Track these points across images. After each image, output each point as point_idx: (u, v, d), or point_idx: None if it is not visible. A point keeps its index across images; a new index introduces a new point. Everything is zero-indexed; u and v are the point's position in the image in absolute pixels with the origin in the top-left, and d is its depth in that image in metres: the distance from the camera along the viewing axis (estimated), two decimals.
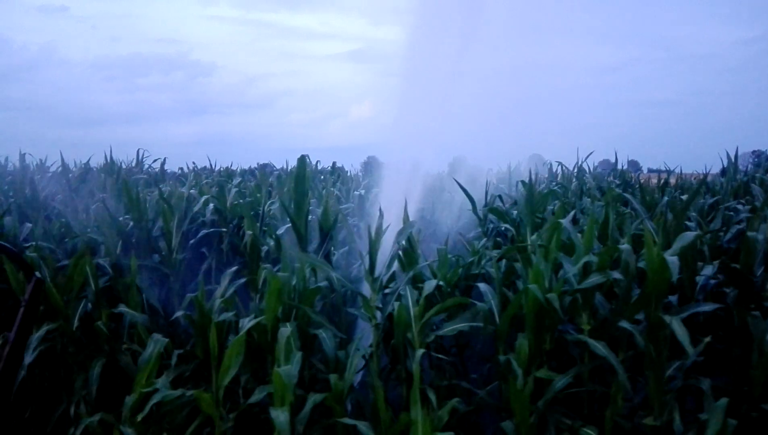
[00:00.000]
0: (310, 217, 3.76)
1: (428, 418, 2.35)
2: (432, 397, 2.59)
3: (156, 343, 2.86)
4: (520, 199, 4.86)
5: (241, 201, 5.40)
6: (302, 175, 3.71)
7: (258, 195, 4.74)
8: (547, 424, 2.52)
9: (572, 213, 3.51)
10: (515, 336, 2.79)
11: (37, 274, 2.50)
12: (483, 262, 3.51)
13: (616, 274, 2.56)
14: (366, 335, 3.14)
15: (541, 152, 8.56)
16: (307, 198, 3.75)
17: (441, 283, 3.01)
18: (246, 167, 11.20)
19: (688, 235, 2.67)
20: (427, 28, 4.52)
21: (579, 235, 2.90)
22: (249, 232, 3.75)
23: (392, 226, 3.18)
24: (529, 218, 3.43)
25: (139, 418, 2.61)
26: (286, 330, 2.69)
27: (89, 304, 3.47)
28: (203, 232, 4.39)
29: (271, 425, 2.80)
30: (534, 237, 3.06)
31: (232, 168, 10.37)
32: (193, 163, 10.34)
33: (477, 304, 2.88)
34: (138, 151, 8.91)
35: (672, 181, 7.42)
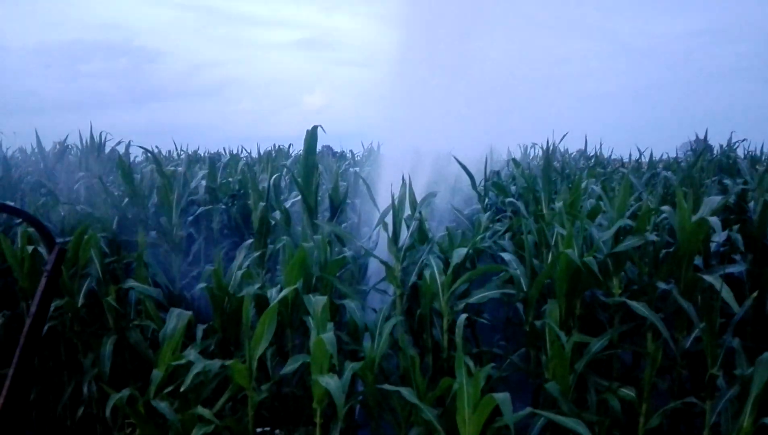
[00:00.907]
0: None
1: (472, 381, 2.32)
2: (470, 362, 2.57)
3: (179, 317, 2.75)
4: (518, 177, 4.92)
5: (230, 179, 5.29)
6: (312, 148, 3.64)
7: (249, 174, 4.62)
8: (586, 385, 2.53)
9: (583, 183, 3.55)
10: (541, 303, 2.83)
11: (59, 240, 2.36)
12: (488, 234, 3.52)
13: (652, 237, 2.59)
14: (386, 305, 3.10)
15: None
16: (317, 171, 3.67)
17: (470, 250, 2.99)
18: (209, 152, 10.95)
19: (714, 200, 2.72)
20: (415, 25, 4.57)
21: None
22: (262, 204, 3.64)
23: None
24: (547, 187, 3.44)
25: (171, 389, 2.50)
26: (321, 299, 2.62)
27: (93, 282, 3.32)
28: (202, 208, 4.26)
29: (305, 395, 2.77)
30: (560, 204, 3.06)
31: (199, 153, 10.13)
32: (156, 147, 10.03)
33: (509, 270, 2.87)
34: (100, 134, 8.61)
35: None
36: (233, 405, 2.80)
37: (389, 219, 3.13)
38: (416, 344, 3.06)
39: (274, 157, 6.41)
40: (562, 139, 8.39)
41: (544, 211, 3.36)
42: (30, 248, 3.20)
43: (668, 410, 2.54)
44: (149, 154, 4.96)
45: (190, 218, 4.18)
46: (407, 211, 3.15)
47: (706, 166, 5.56)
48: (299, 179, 3.60)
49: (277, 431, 2.85)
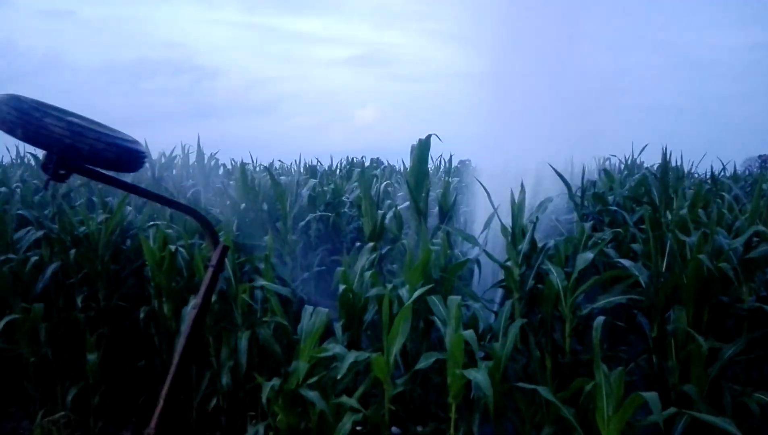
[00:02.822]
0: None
1: (615, 381, 2.39)
2: (604, 366, 2.63)
3: (317, 313, 2.92)
4: (616, 186, 4.95)
5: (324, 188, 5.51)
6: (424, 156, 3.80)
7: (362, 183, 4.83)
8: (722, 390, 2.56)
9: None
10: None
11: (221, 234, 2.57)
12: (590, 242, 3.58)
13: None
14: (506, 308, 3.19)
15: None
16: (427, 178, 3.83)
17: (593, 255, 3.06)
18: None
19: None
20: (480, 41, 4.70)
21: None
22: (380, 211, 3.81)
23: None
24: (663, 196, 3.48)
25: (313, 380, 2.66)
26: (455, 299, 2.75)
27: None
28: (311, 215, 4.47)
29: (436, 389, 2.90)
30: (684, 211, 3.10)
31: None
32: (233, 159, 10.44)
33: (636, 275, 2.92)
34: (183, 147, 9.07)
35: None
36: (365, 398, 2.93)
37: (507, 223, 3.23)
38: (536, 347, 3.14)
39: (362, 169, 6.59)
40: (641, 151, 8.40)
41: (662, 218, 3.39)
42: (172, 248, 3.43)
43: None
44: (256, 166, 5.20)
45: (302, 224, 4.38)
46: (526, 217, 3.24)
47: None
48: (411, 185, 3.75)
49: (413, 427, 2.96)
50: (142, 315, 3.57)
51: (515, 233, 3.16)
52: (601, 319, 2.61)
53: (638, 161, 8.56)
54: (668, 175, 3.76)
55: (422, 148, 3.75)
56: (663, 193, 3.54)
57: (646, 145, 8.36)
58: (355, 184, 6.20)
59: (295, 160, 8.32)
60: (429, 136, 3.76)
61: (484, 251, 3.21)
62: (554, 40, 4.64)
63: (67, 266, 3.83)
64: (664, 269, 2.97)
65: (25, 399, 3.95)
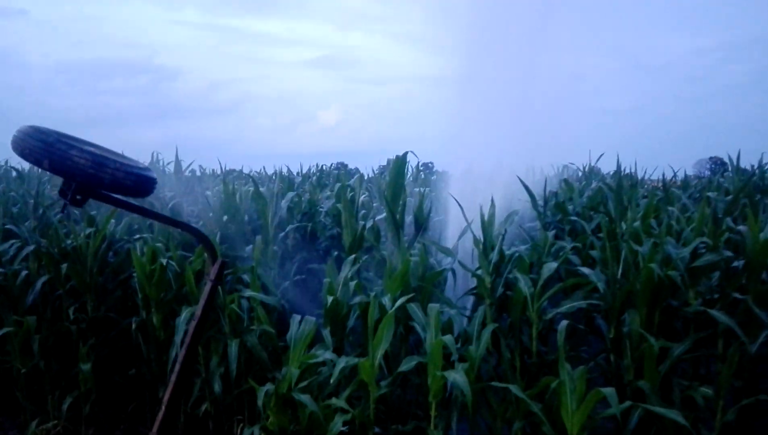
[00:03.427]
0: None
1: (578, 378, 2.68)
2: (567, 365, 2.92)
3: (305, 322, 3.14)
4: (575, 195, 5.30)
5: (302, 198, 5.70)
6: (401, 171, 4.04)
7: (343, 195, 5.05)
8: (671, 385, 2.88)
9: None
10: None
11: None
12: (553, 250, 3.89)
13: (728, 253, 2.95)
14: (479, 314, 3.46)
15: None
16: (404, 192, 4.07)
17: (557, 265, 3.35)
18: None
19: None
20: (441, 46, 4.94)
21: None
22: (362, 223, 4.04)
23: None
24: (618, 207, 3.80)
25: (303, 383, 2.88)
26: (434, 306, 3.00)
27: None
28: (290, 226, 4.67)
29: (415, 390, 3.14)
30: (637, 223, 3.42)
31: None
32: (200, 166, 10.48)
33: (594, 282, 3.23)
34: (152, 154, 9.10)
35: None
36: (349, 400, 3.16)
37: (478, 234, 3.50)
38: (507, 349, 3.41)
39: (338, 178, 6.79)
40: (598, 159, 8.86)
41: (617, 229, 3.71)
42: (163, 261, 3.60)
43: (741, 406, 2.88)
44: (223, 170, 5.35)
45: (281, 235, 4.57)
46: (495, 229, 3.52)
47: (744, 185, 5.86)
48: (388, 199, 3.99)
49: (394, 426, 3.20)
50: (134, 326, 3.72)
51: (486, 246, 3.43)
52: (564, 322, 2.90)
53: (595, 169, 9.07)
54: (622, 188, 4.09)
55: (399, 165, 4.00)
56: (618, 204, 3.86)
57: (602, 154, 8.81)
58: (329, 193, 6.42)
59: (264, 167, 8.49)
60: (405, 153, 4.01)
61: (459, 262, 3.46)
62: (515, 43, 4.88)
63: (55, 279, 3.95)
64: (619, 276, 3.29)
65: (12, 409, 4.06)
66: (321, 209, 5.63)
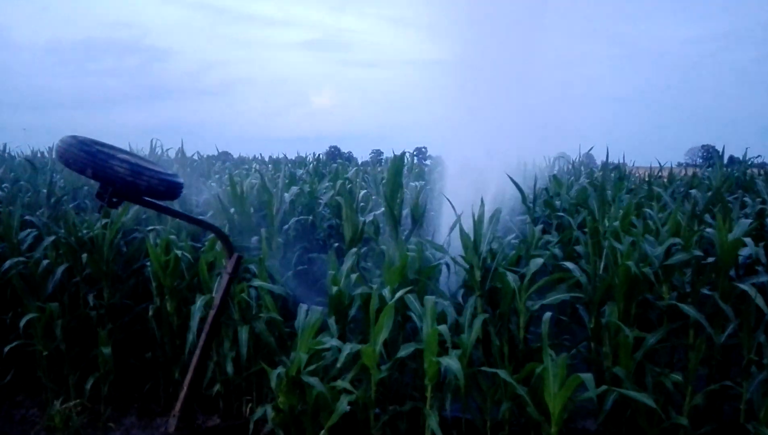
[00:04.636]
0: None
1: (559, 364, 2.97)
2: (551, 351, 3.21)
3: (312, 312, 3.41)
4: (563, 191, 5.59)
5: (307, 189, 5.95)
6: (399, 169, 4.30)
7: (345, 190, 5.29)
8: (645, 371, 3.18)
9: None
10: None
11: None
12: (540, 243, 4.17)
13: (698, 252, 3.24)
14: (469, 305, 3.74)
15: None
16: (402, 189, 4.33)
17: (543, 260, 3.63)
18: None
19: (746, 222, 3.38)
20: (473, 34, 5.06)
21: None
22: (361, 218, 4.30)
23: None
24: (600, 205, 4.09)
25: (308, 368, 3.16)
26: (431, 298, 3.29)
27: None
28: (293, 219, 4.92)
29: (411, 375, 3.43)
30: (617, 223, 3.70)
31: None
32: (198, 152, 10.68)
33: (577, 276, 3.51)
34: (151, 141, 9.29)
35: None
36: (352, 383, 3.44)
37: (468, 228, 3.78)
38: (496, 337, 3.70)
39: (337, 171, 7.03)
40: (589, 151, 9.14)
41: (599, 226, 3.99)
42: (178, 253, 3.85)
43: (708, 391, 3.20)
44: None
45: (285, 227, 4.82)
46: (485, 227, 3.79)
47: (725, 181, 6.18)
48: (387, 196, 4.26)
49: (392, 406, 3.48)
50: (151, 313, 3.98)
51: (477, 242, 3.71)
52: (548, 314, 3.19)
53: (585, 160, 9.37)
54: (605, 187, 4.36)
55: (397, 163, 4.26)
56: (601, 203, 4.14)
57: (591, 148, 9.09)
58: (327, 184, 6.66)
59: (261, 153, 8.66)
60: (403, 153, 4.28)
61: (452, 258, 3.73)
62: (509, 28, 5.02)
63: (73, 267, 4.20)
64: (601, 271, 3.58)
65: (32, 389, 4.32)
66: (321, 201, 5.87)
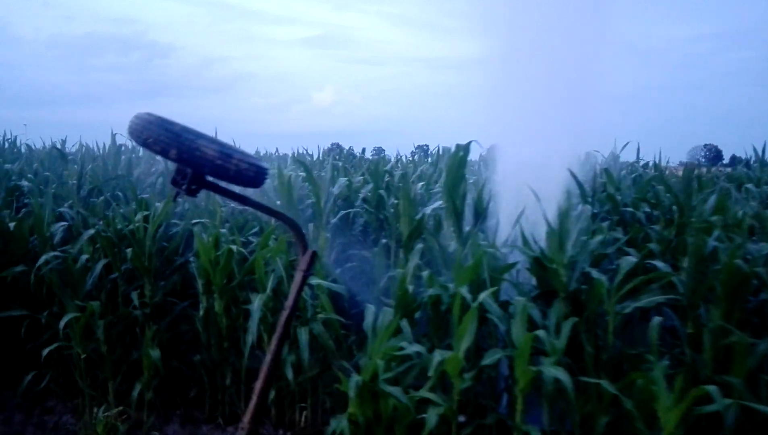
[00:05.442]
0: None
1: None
2: (653, 358, 2.90)
3: (383, 314, 3.11)
4: (623, 186, 5.28)
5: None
6: (462, 161, 3.99)
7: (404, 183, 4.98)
8: (758, 380, 2.88)
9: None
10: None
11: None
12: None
13: None
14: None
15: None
16: (464, 181, 4.02)
17: (636, 260, 3.32)
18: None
19: None
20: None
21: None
22: (421, 210, 4.00)
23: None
24: (686, 200, 3.78)
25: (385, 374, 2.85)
26: (521, 299, 2.98)
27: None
28: (342, 212, 4.62)
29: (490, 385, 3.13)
30: (716, 217, 3.40)
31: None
32: None
33: (674, 277, 3.21)
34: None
35: None
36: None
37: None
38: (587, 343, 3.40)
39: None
40: (623, 148, 8.84)
41: (685, 221, 3.69)
42: (233, 248, 3.54)
43: None
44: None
45: (334, 221, 4.52)
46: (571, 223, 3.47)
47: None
48: (449, 188, 3.95)
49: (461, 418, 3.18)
50: (201, 313, 3.67)
51: (563, 239, 3.40)
52: (657, 318, 2.89)
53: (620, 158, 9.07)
54: (691, 180, 4.06)
55: (460, 156, 3.94)
56: (687, 198, 3.84)
57: (627, 143, 8.79)
58: (360, 178, 6.33)
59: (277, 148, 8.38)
60: (469, 142, 3.96)
61: (533, 257, 3.42)
62: (509, 24, 4.76)
63: (112, 263, 3.89)
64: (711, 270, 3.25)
65: (63, 393, 4.01)
66: (360, 195, 5.57)
